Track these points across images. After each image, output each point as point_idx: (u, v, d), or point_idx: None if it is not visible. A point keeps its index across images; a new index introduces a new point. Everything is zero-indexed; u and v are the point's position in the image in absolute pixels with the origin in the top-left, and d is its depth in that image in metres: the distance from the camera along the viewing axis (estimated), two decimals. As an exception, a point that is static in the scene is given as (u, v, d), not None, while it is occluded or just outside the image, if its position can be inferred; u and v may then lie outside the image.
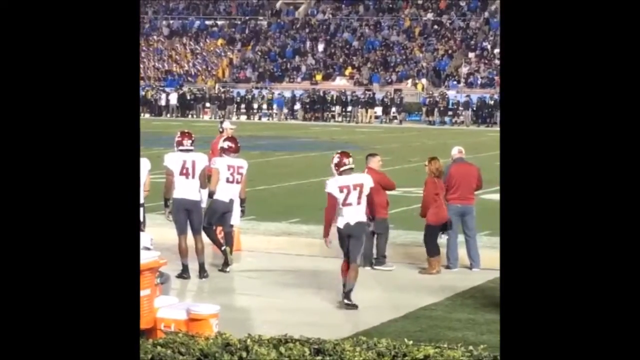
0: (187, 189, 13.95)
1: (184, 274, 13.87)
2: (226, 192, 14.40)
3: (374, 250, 14.86)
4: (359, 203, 12.44)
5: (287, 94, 62.06)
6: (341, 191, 12.40)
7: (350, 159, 12.65)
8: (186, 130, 14.59)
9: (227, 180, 14.40)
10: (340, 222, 12.44)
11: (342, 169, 12.56)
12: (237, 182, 14.51)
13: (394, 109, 59.40)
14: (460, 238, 14.95)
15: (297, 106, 61.25)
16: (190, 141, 14.25)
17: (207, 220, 14.42)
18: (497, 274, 14.06)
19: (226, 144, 14.71)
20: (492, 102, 56.88)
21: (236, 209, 14.66)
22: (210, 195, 14.46)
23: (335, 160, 12.63)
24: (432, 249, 14.49)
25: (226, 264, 14.43)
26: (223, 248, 14.47)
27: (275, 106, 61.64)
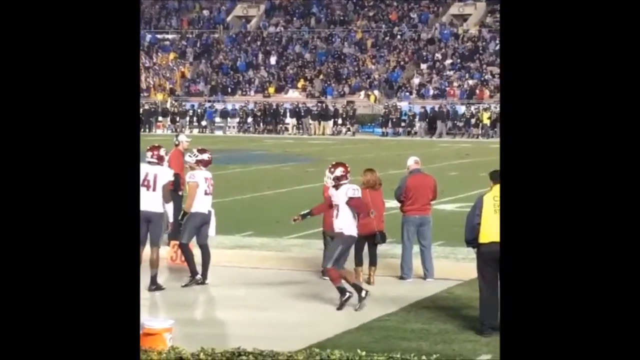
0: (147, 201, 13.92)
1: None
2: (205, 204, 14.49)
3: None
4: None
5: (236, 106, 62.13)
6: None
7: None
8: (156, 144, 14.63)
9: (205, 193, 14.54)
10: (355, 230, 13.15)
11: (342, 182, 13.15)
12: (211, 194, 14.63)
13: (347, 121, 59.56)
14: (415, 249, 14.97)
15: (250, 119, 61.24)
16: (151, 154, 14.27)
17: (187, 237, 14.38)
18: (450, 284, 14.15)
19: (206, 156, 14.82)
20: (443, 113, 57.18)
21: (212, 219, 14.69)
22: (186, 210, 14.43)
23: (339, 172, 13.10)
24: (357, 260, 14.54)
25: (194, 277, 14.37)
26: (198, 276, 14.33)
27: (218, 119, 61.60)
